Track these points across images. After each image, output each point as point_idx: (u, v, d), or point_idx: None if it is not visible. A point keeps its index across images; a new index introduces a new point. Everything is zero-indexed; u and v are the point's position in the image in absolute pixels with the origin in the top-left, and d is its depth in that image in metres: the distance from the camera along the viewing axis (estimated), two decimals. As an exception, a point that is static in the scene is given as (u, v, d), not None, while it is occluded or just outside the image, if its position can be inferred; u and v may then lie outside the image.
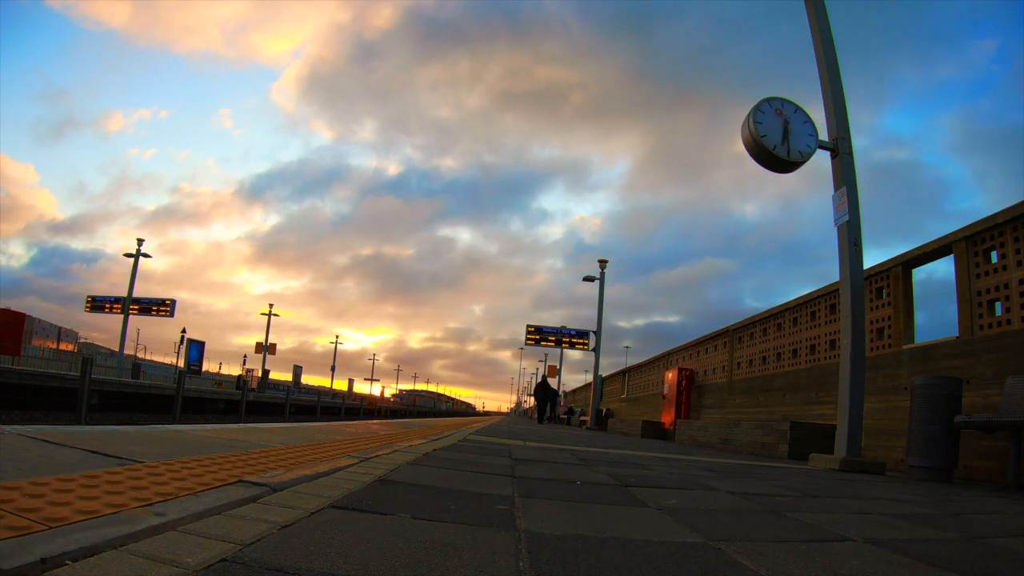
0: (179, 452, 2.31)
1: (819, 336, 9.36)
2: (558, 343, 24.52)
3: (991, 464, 5.28)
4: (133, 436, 2.71)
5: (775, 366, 10.73)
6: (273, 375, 50.78)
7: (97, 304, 31.51)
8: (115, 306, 30.73)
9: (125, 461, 1.93)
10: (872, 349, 7.34)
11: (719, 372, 13.51)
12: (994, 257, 5.73)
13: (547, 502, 1.98)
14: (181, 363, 37.41)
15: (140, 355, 59.69)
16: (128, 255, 28.89)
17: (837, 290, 7.68)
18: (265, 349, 41.05)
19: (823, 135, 5.83)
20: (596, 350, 21.42)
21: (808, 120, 5.72)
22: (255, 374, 45.65)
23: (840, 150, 5.74)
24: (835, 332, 8.71)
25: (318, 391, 55.81)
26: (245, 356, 65.01)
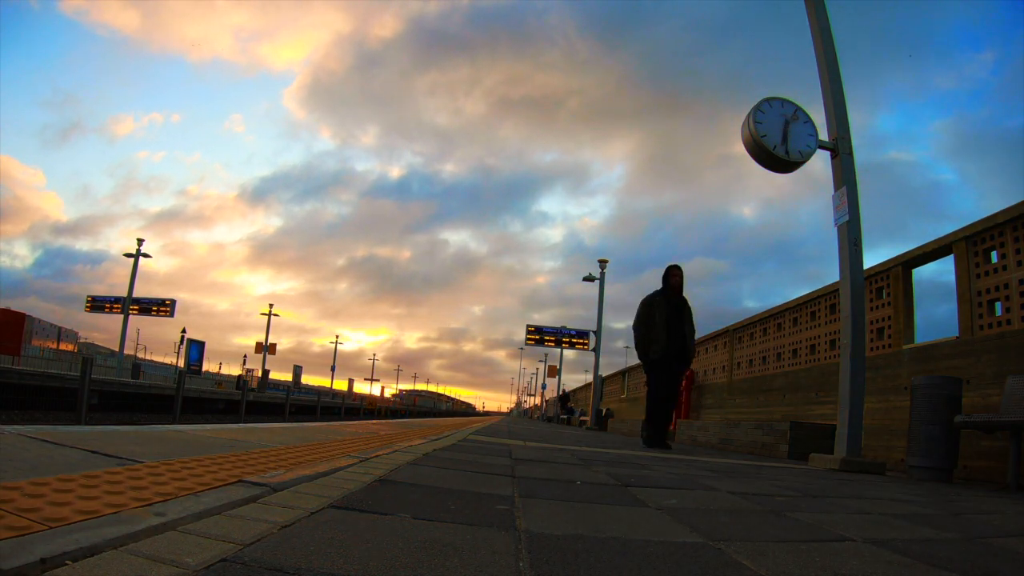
0: (179, 452, 2.31)
1: (819, 336, 9.36)
2: (558, 343, 24.56)
3: (991, 464, 5.28)
4: (133, 436, 2.71)
5: (775, 366, 10.73)
6: (273, 375, 50.81)
7: (97, 304, 31.55)
8: (115, 306, 30.77)
9: (125, 461, 1.93)
10: (872, 349, 7.34)
11: (719, 372, 13.51)
12: (994, 257, 5.74)
13: (547, 502, 1.98)
14: (181, 363, 37.43)
15: (140, 355, 59.72)
16: (128, 255, 28.92)
17: (837, 290, 7.68)
18: (265, 349, 41.07)
19: (823, 135, 5.83)
20: (596, 350, 21.43)
21: (808, 120, 5.72)
22: (255, 374, 45.69)
23: (840, 150, 5.74)
24: (835, 332, 8.71)
25: (318, 391, 55.81)
26: (245, 356, 65.13)
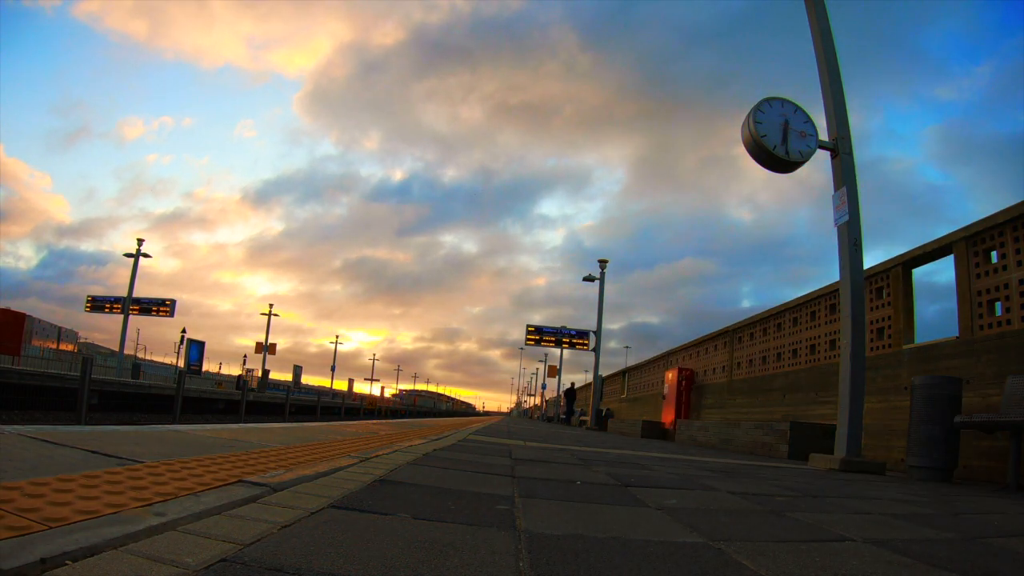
0: (179, 452, 2.31)
1: (819, 336, 9.36)
2: (558, 343, 24.54)
3: (991, 464, 5.28)
4: (133, 436, 2.71)
5: (775, 366, 10.73)
6: (273, 375, 50.82)
7: (97, 304, 31.51)
8: (115, 306, 30.73)
9: (125, 461, 1.93)
10: (872, 349, 7.34)
11: (719, 372, 13.51)
12: (994, 257, 5.73)
13: (547, 502, 1.98)
14: (181, 363, 37.41)
15: (140, 355, 59.68)
16: (128, 255, 28.88)
17: (837, 290, 7.69)
18: (265, 349, 41.03)
19: (823, 135, 5.83)
20: (596, 350, 21.41)
21: (808, 120, 5.72)
22: (255, 374, 45.67)
23: (840, 150, 5.74)
24: (835, 332, 8.71)
25: (318, 391, 55.79)
26: (245, 356, 65.05)
